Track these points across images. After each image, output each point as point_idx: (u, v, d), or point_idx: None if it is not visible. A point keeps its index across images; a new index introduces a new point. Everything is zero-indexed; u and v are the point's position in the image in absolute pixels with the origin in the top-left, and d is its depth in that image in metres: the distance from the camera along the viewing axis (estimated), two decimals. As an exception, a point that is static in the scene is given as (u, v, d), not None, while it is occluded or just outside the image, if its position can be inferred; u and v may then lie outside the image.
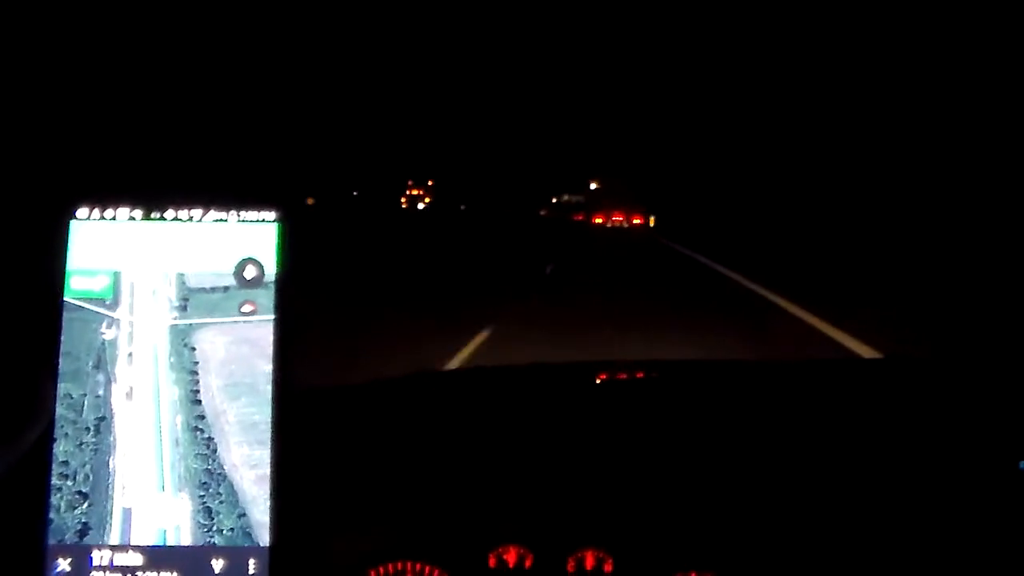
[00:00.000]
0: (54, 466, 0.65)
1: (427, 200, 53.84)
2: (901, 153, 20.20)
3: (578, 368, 1.67)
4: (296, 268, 0.70)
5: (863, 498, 0.97)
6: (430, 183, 55.70)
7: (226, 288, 0.68)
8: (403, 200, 52.12)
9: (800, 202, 24.54)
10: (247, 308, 0.68)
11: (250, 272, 0.68)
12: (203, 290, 0.68)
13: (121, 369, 0.67)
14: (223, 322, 0.68)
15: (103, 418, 0.66)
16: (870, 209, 20.31)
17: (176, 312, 0.68)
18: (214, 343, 0.68)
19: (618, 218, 47.67)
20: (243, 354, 0.68)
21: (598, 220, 48.06)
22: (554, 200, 62.95)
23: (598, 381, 1.48)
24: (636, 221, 46.81)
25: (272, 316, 0.68)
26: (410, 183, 54.02)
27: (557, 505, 0.96)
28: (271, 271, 0.69)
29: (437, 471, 1.01)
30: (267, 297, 0.68)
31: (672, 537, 0.93)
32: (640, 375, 1.57)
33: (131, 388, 0.67)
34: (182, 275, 0.68)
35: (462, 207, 55.71)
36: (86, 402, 0.66)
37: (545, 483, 1.00)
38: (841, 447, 1.07)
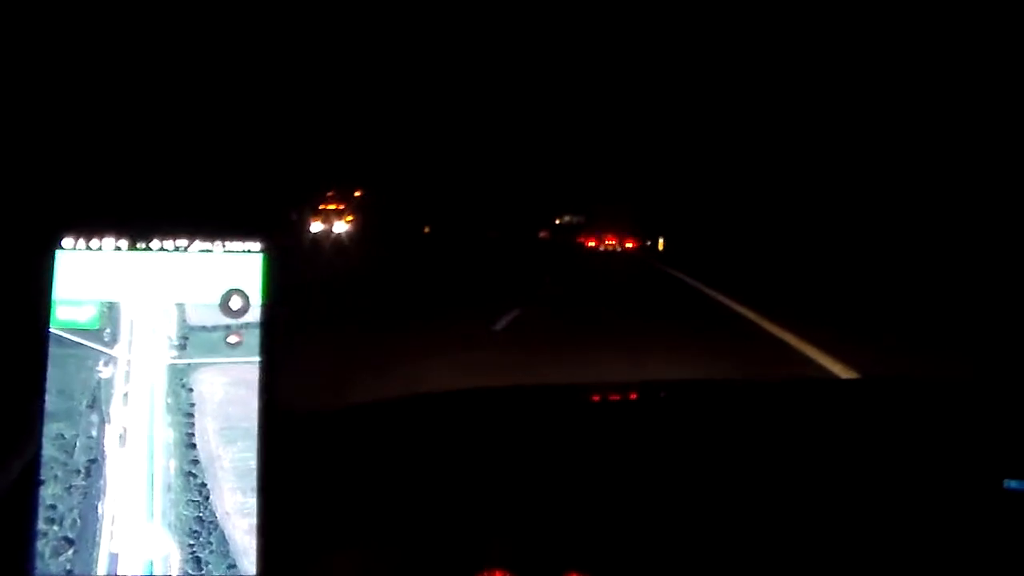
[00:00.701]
0: (40, 510, 0.62)
1: (348, 220, 36.56)
2: (917, 167, 20.03)
3: (564, 390, 1.67)
4: (281, 296, 0.69)
5: (850, 520, 0.98)
6: (357, 194, 39.17)
7: (228, 327, 0.67)
8: (315, 219, 34.49)
9: (821, 222, 23.82)
10: (233, 339, 0.67)
11: (236, 303, 0.67)
12: (204, 328, 0.66)
13: (116, 409, 0.64)
14: (222, 362, 0.66)
15: (94, 460, 0.63)
16: (888, 224, 19.97)
17: (175, 351, 0.66)
18: (212, 384, 0.66)
19: (611, 242, 48.20)
20: (240, 397, 0.66)
21: (591, 244, 48.50)
22: (556, 221, 59.32)
23: (584, 404, 1.48)
24: (628, 245, 47.28)
25: (258, 354, 0.67)
26: (330, 195, 37.13)
27: (543, 529, 0.96)
28: (256, 302, 0.67)
29: (422, 494, 1.00)
30: (253, 329, 0.67)
31: (659, 561, 0.93)
32: (629, 396, 1.57)
33: (125, 430, 0.64)
34: (182, 309, 0.66)
35: (426, 230, 44.35)
36: (78, 443, 0.63)
37: (531, 507, 0.99)
38: (828, 469, 1.08)
